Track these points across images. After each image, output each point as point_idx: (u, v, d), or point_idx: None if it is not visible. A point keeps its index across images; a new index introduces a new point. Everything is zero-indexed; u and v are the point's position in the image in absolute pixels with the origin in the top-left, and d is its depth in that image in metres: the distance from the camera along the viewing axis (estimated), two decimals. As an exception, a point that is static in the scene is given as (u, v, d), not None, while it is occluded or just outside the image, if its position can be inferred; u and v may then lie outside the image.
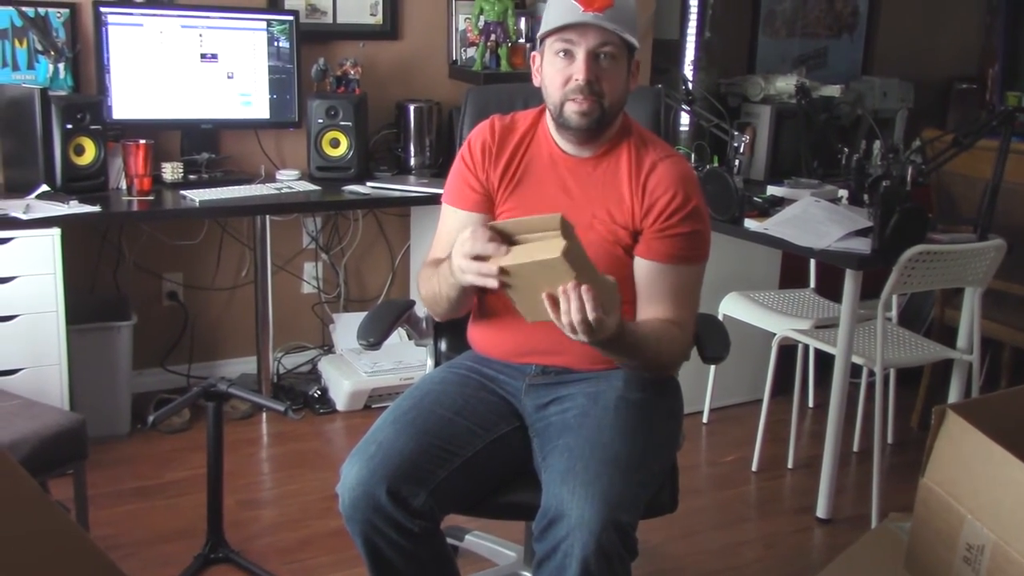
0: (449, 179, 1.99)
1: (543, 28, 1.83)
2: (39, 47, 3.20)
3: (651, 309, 1.86)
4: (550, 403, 1.90)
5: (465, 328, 2.08)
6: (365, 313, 2.20)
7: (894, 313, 3.39)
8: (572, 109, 1.82)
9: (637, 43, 1.83)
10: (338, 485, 1.75)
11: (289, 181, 3.48)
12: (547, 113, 1.92)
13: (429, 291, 1.90)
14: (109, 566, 1.62)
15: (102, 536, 2.56)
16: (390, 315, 2.13)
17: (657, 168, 1.87)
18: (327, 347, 3.93)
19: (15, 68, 3.24)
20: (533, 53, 1.92)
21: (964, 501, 1.89)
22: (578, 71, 1.79)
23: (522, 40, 3.75)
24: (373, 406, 3.55)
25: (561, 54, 1.81)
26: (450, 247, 1.87)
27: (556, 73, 1.83)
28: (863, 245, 2.74)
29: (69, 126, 3.02)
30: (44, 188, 2.98)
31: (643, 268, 1.87)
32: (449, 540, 2.47)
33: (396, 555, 1.74)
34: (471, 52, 3.78)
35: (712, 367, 3.48)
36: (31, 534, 1.52)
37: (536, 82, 1.91)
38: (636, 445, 1.76)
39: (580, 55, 1.79)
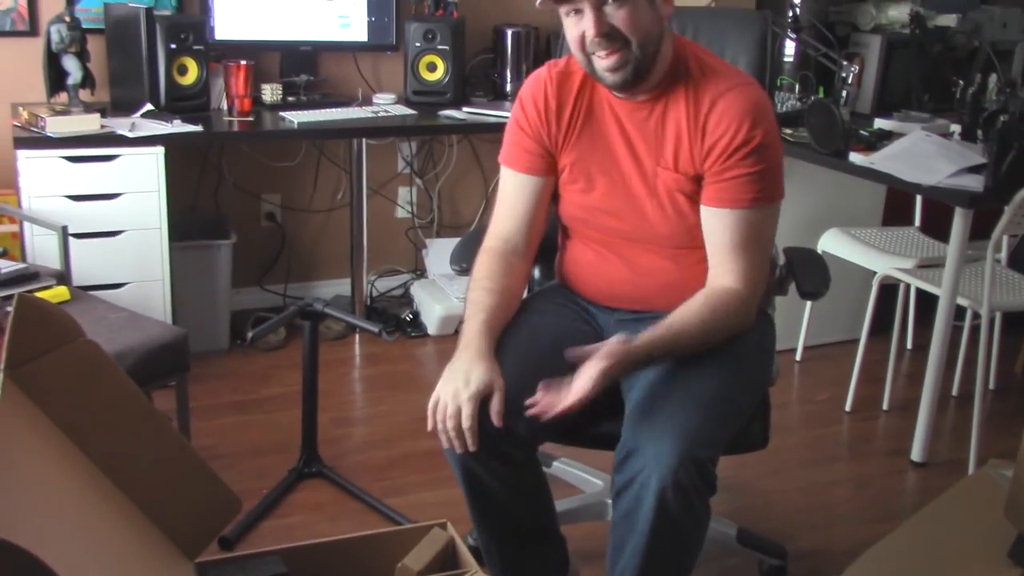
0: (505, 137, 1.91)
1: None
2: (145, -34, 3.24)
3: (716, 270, 1.77)
4: None
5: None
6: (458, 239, 2.20)
7: (1003, 255, 3.26)
8: (601, 67, 1.69)
9: None
10: None
11: (385, 105, 3.48)
12: None
13: (468, 297, 1.85)
14: (211, 475, 1.67)
15: (202, 446, 2.65)
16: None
17: (718, 104, 1.71)
18: (420, 272, 3.96)
19: (122, -13, 3.29)
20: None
21: (1072, 450, 1.82)
22: (588, 27, 1.65)
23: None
24: (464, 331, 3.58)
25: (572, 13, 1.68)
26: (511, 209, 1.88)
27: (571, 32, 1.70)
28: (975, 183, 2.63)
29: (173, 46, 3.06)
30: (149, 107, 3.04)
31: (705, 217, 1.76)
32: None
33: (497, 484, 1.75)
34: (571, -25, 3.70)
35: (808, 304, 3.41)
36: (137, 440, 1.57)
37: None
38: (720, 380, 1.72)
39: (586, 9, 1.64)
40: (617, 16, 1.64)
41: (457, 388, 1.66)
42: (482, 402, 1.66)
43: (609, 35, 1.65)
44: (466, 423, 1.64)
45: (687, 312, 1.73)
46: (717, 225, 1.75)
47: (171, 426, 1.91)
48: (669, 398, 1.66)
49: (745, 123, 1.70)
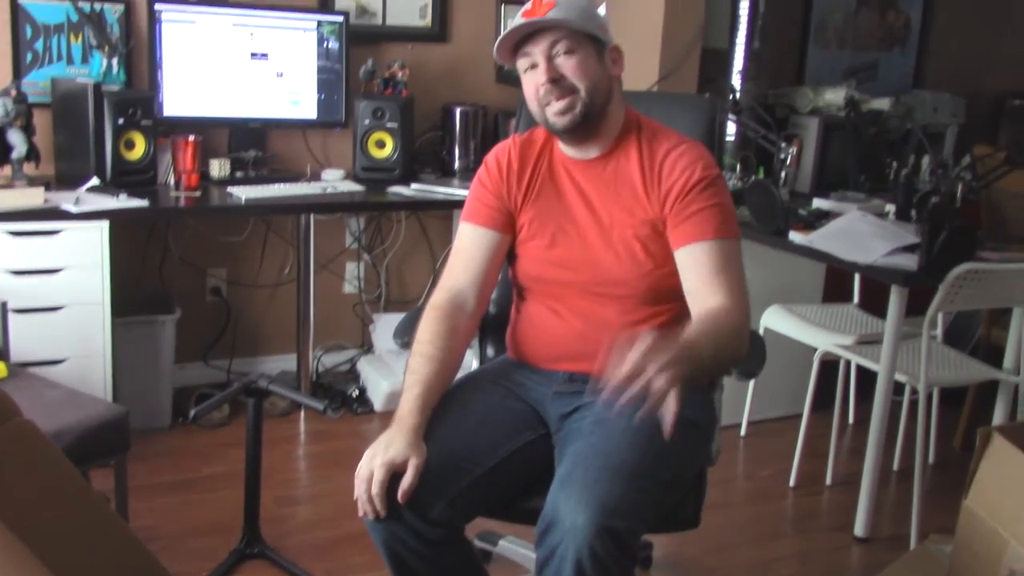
0: (467, 198, 2.01)
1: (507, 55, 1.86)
2: (94, 42, 3.25)
3: (702, 296, 1.79)
4: (572, 412, 1.88)
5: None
6: (405, 314, 2.20)
7: (939, 331, 3.34)
8: (551, 112, 1.83)
9: (593, 30, 1.82)
10: None
11: (334, 181, 3.50)
12: None
13: (408, 364, 1.86)
14: (148, 558, 1.64)
15: (141, 527, 2.59)
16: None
17: (671, 154, 1.86)
18: (367, 347, 3.95)
19: (70, 62, 3.30)
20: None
21: (1008, 526, 1.86)
22: (540, 75, 1.81)
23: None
24: (410, 407, 3.56)
25: (529, 69, 1.84)
26: (465, 262, 1.93)
27: (528, 87, 1.86)
28: (910, 261, 2.70)
29: (121, 121, 3.06)
30: (95, 181, 3.03)
31: (681, 258, 1.83)
32: (483, 545, 2.49)
33: (418, 562, 1.73)
34: (518, 57, 3.78)
35: (751, 380, 3.45)
36: (73, 523, 1.54)
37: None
38: (645, 453, 1.70)
39: (539, 61, 1.81)
40: (566, 65, 1.80)
41: (375, 454, 1.69)
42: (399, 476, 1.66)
43: (558, 81, 1.80)
44: (374, 489, 1.65)
45: (699, 318, 1.74)
46: (690, 261, 1.81)
47: (108, 507, 1.86)
48: (588, 470, 1.65)
49: (699, 164, 1.84)
